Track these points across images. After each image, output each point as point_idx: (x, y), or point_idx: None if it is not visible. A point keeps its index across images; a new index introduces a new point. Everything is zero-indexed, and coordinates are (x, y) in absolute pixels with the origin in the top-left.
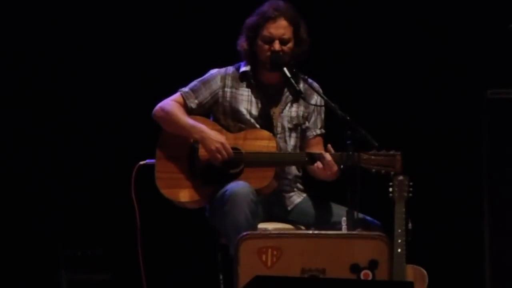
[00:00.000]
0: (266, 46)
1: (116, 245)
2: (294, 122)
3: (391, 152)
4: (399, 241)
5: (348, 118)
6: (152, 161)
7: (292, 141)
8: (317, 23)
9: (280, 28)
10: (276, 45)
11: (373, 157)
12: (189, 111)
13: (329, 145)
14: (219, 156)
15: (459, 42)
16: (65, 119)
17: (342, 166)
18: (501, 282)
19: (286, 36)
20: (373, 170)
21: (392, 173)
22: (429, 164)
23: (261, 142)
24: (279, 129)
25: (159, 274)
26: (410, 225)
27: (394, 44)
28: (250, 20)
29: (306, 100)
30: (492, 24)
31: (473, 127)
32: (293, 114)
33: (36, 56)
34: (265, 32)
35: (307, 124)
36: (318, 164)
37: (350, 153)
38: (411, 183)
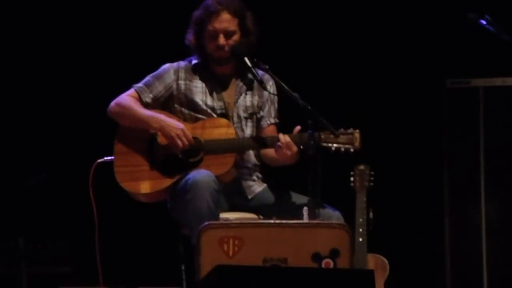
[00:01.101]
0: (211, 41)
1: (77, 237)
2: (249, 111)
3: (350, 130)
4: (360, 230)
5: (309, 107)
6: (110, 158)
7: (248, 130)
8: (274, 12)
9: (223, 22)
10: (221, 40)
11: (331, 135)
12: (144, 106)
13: (297, 127)
14: (179, 142)
15: (418, 32)
16: (24, 116)
17: (301, 147)
18: (461, 271)
19: (230, 29)
20: (333, 148)
21: (351, 150)
22: (389, 153)
23: (220, 129)
24: (235, 118)
25: (121, 266)
26: (371, 214)
27: (355, 32)
28: (196, 14)
29: (266, 89)
30: (452, 13)
31: (433, 116)
32: (248, 103)
33: None
34: (209, 27)
35: (261, 113)
36: (277, 146)
37: (312, 142)
38: (372, 173)
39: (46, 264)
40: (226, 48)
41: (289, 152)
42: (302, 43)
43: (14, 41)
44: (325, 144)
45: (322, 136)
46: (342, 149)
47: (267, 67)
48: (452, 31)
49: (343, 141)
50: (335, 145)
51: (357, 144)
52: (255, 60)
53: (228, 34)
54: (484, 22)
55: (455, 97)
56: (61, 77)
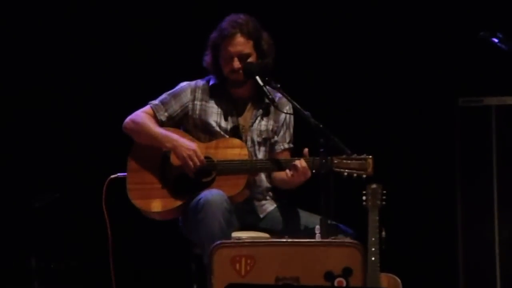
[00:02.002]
0: (227, 64)
1: (89, 257)
2: (263, 136)
3: (363, 156)
4: (373, 249)
5: (321, 126)
6: (123, 174)
7: (261, 155)
8: (287, 31)
9: (238, 45)
10: (235, 63)
11: (344, 161)
12: (159, 124)
13: (305, 150)
14: (191, 163)
15: (431, 50)
16: (37, 133)
17: (313, 171)
18: None
19: (244, 52)
20: (345, 173)
21: (364, 176)
22: (402, 172)
23: (233, 150)
24: (248, 143)
25: (132, 286)
26: (383, 233)
27: (368, 53)
28: (212, 36)
29: (278, 108)
30: (464, 32)
31: (445, 135)
32: (263, 128)
33: None
34: (224, 51)
35: (275, 138)
36: (292, 169)
37: (324, 161)
38: (384, 191)
39: (58, 283)
40: (241, 71)
41: (303, 178)
42: (315, 63)
43: (30, 58)
44: (337, 170)
45: (335, 161)
46: (355, 175)
47: (278, 85)
48: (464, 50)
49: (356, 166)
50: (347, 170)
51: (370, 170)
52: (266, 79)
53: (242, 57)
54: (496, 40)
55: (468, 116)
56: (80, 94)
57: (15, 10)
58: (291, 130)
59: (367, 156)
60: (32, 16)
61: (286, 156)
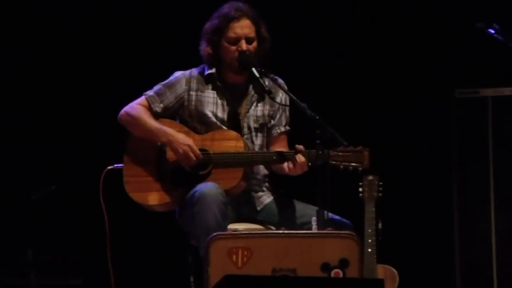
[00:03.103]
0: (233, 47)
1: (86, 249)
2: (260, 122)
3: (359, 148)
4: (369, 240)
5: (317, 117)
6: (120, 165)
7: (258, 141)
8: (283, 22)
9: (245, 27)
10: (243, 45)
11: (340, 153)
12: (154, 115)
13: (300, 146)
14: (186, 158)
15: (427, 42)
16: (33, 124)
17: (310, 164)
18: (471, 282)
19: (251, 35)
20: (341, 166)
21: (360, 169)
22: (398, 163)
23: (229, 142)
24: (245, 129)
25: (129, 277)
26: (380, 225)
27: (364, 43)
28: (211, 23)
29: (274, 99)
30: (460, 23)
31: (442, 126)
32: (259, 113)
33: None
34: (230, 33)
35: (272, 122)
36: (289, 163)
37: (320, 152)
38: (380, 183)
39: (55, 276)
40: (248, 53)
41: (300, 171)
42: (311, 55)
43: (20, 45)
44: (333, 162)
45: (331, 154)
46: (351, 168)
47: (274, 77)
48: (460, 41)
49: (352, 159)
50: (344, 163)
51: (366, 162)
52: (262, 70)
53: (249, 40)
54: (492, 31)
55: (464, 107)
56: (75, 83)
57: None
58: (287, 113)
59: (363, 149)
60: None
61: (283, 139)
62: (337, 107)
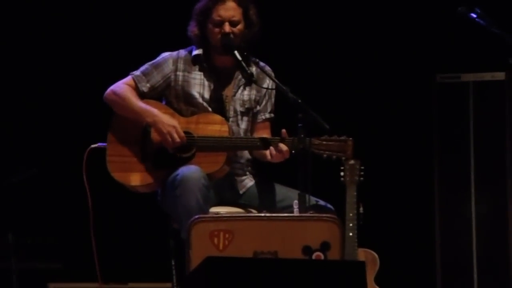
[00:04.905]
0: (217, 29)
1: (67, 232)
2: (246, 106)
3: (343, 138)
4: (351, 224)
5: (299, 101)
6: (104, 144)
7: (244, 125)
8: (270, 6)
9: (229, 9)
10: (226, 27)
11: (324, 142)
12: (141, 95)
13: (283, 130)
14: (170, 139)
15: (408, 26)
16: (16, 102)
17: (293, 151)
18: (451, 266)
19: (235, 18)
20: (325, 155)
21: (343, 158)
22: (380, 148)
23: (213, 126)
24: (231, 112)
25: (111, 259)
26: (361, 209)
27: (345, 27)
28: (200, 4)
29: (257, 83)
30: (442, 7)
31: (423, 111)
32: (245, 97)
33: None
34: (215, 15)
35: (258, 108)
36: (271, 150)
37: (302, 136)
38: (362, 167)
39: (36, 259)
40: (232, 36)
41: (282, 159)
42: (292, 38)
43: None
44: (316, 151)
45: (315, 143)
46: (334, 157)
47: (257, 60)
48: (442, 25)
49: (336, 148)
50: (327, 152)
51: (349, 152)
52: (245, 54)
53: (233, 23)
54: (474, 15)
55: (445, 92)
56: (61, 61)
57: None
58: (273, 100)
59: (347, 138)
60: None
61: (267, 126)
62: (316, 92)
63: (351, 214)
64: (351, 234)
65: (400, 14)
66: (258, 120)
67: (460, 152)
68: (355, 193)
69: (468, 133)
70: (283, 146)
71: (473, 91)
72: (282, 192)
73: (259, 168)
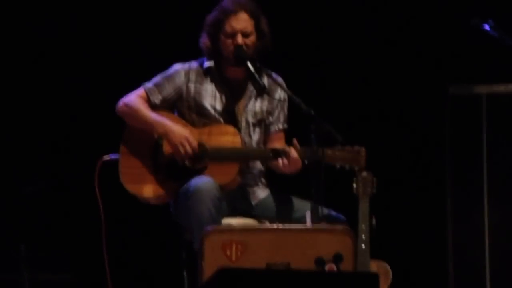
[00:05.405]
0: (229, 41)
1: (79, 244)
2: (258, 117)
3: (356, 148)
4: (363, 237)
5: (312, 112)
6: (116, 156)
7: (256, 136)
8: (281, 17)
9: (241, 21)
10: (239, 39)
11: (337, 152)
12: (153, 107)
13: (294, 140)
14: (182, 150)
15: (421, 37)
16: (29, 114)
17: (305, 161)
18: (464, 279)
19: (247, 30)
20: (338, 166)
21: (356, 168)
22: (393, 160)
23: (226, 137)
24: (243, 124)
25: (123, 271)
26: (374, 221)
27: (359, 39)
28: (211, 16)
29: (269, 94)
30: (455, 19)
31: (436, 123)
32: (257, 109)
33: None
34: (227, 27)
35: (270, 119)
36: (283, 160)
37: (314, 147)
38: (375, 179)
39: (48, 271)
40: (244, 47)
41: (293, 168)
42: (305, 50)
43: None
44: (329, 161)
45: (328, 153)
46: (347, 167)
47: (269, 71)
48: (455, 37)
49: (348, 158)
50: (340, 162)
51: (362, 162)
52: (258, 65)
53: (245, 34)
54: (487, 27)
55: (458, 104)
56: (74, 73)
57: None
58: (286, 110)
59: (360, 149)
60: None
61: (280, 137)
62: (330, 104)
63: (363, 226)
64: (363, 246)
65: (412, 25)
66: (271, 131)
67: (473, 164)
68: (368, 205)
69: (481, 144)
70: (293, 153)
71: (486, 102)
72: (295, 203)
73: (272, 179)
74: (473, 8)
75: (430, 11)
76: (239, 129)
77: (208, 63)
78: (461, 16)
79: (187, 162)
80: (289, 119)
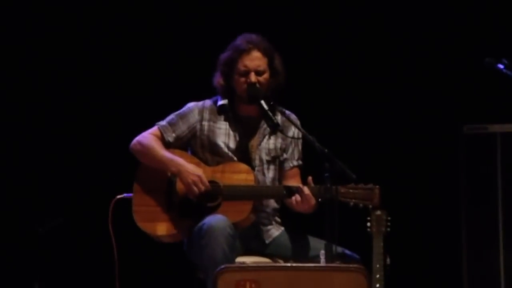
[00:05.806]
0: (243, 79)
1: (92, 282)
2: (272, 155)
3: (369, 186)
4: (378, 276)
5: (326, 150)
6: (130, 195)
7: (270, 174)
8: (295, 55)
9: (255, 59)
10: (252, 77)
11: (351, 190)
12: (167, 145)
13: (309, 178)
14: (195, 189)
15: (436, 77)
16: (44, 152)
17: (319, 199)
18: None
19: (261, 68)
20: (351, 203)
21: (370, 206)
22: (407, 198)
23: (239, 175)
24: (257, 161)
25: None
26: (388, 260)
27: (374, 78)
28: (225, 55)
29: (283, 132)
30: (469, 59)
31: (450, 162)
32: (271, 146)
33: None
34: (240, 65)
35: (284, 155)
36: (296, 197)
37: (328, 186)
38: (389, 218)
39: None
40: (258, 86)
41: (306, 206)
42: (318, 85)
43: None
44: (343, 199)
45: (342, 191)
46: (361, 205)
47: (283, 110)
48: (469, 76)
49: (362, 196)
50: (353, 200)
51: (376, 200)
52: (271, 103)
53: (258, 73)
54: (501, 66)
55: (473, 143)
56: (87, 112)
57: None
58: (300, 147)
59: (374, 186)
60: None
61: (295, 173)
62: (345, 141)
63: (377, 265)
64: (378, 285)
65: (428, 64)
66: (286, 168)
67: (488, 203)
68: (382, 244)
69: (496, 184)
70: (306, 191)
71: (501, 142)
72: (309, 241)
73: (286, 218)
74: (487, 48)
75: (445, 51)
76: (252, 167)
77: (222, 101)
78: (476, 55)
79: (200, 200)
80: (304, 157)
